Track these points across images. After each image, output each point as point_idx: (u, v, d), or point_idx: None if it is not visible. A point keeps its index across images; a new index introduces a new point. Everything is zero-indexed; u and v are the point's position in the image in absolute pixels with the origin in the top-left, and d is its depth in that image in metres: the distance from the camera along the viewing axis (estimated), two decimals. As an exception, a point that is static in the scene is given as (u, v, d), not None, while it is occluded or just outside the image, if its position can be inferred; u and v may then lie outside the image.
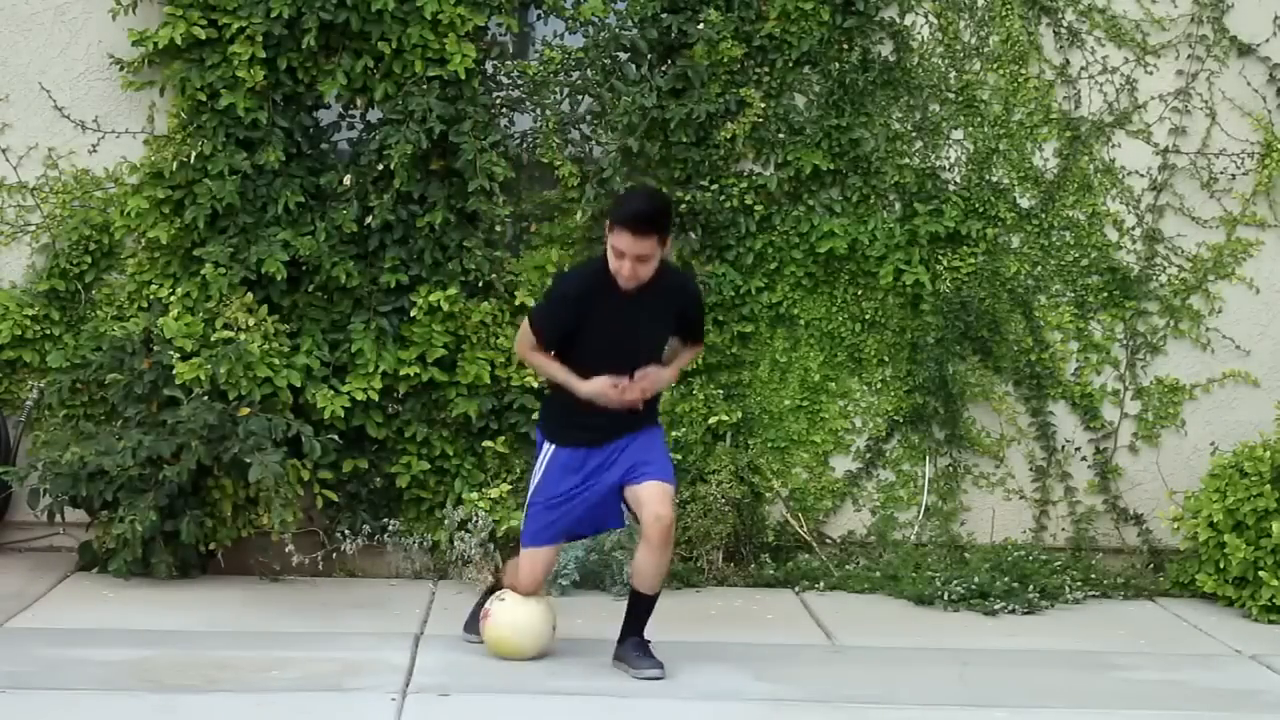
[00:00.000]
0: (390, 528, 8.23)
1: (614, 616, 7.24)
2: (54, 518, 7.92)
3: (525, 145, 8.42)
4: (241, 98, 8.06)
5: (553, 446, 6.64)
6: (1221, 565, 8.02)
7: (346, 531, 8.17)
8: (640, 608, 6.70)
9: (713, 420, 8.36)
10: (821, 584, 8.26)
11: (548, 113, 8.35)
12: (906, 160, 8.49)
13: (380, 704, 6.16)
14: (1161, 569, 8.51)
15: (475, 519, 8.05)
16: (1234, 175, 8.60)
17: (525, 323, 6.64)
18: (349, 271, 8.14)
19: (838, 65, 8.41)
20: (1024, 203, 8.56)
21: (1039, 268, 8.58)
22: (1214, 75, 8.56)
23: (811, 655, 7.10)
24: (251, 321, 8.03)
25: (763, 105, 8.34)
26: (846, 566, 8.42)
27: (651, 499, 6.50)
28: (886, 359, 8.55)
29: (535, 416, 8.18)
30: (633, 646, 6.67)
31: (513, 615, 6.76)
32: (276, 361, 8.00)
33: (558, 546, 6.77)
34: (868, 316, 8.51)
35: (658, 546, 6.51)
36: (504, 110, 8.37)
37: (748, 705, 6.33)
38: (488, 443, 8.26)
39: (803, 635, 7.45)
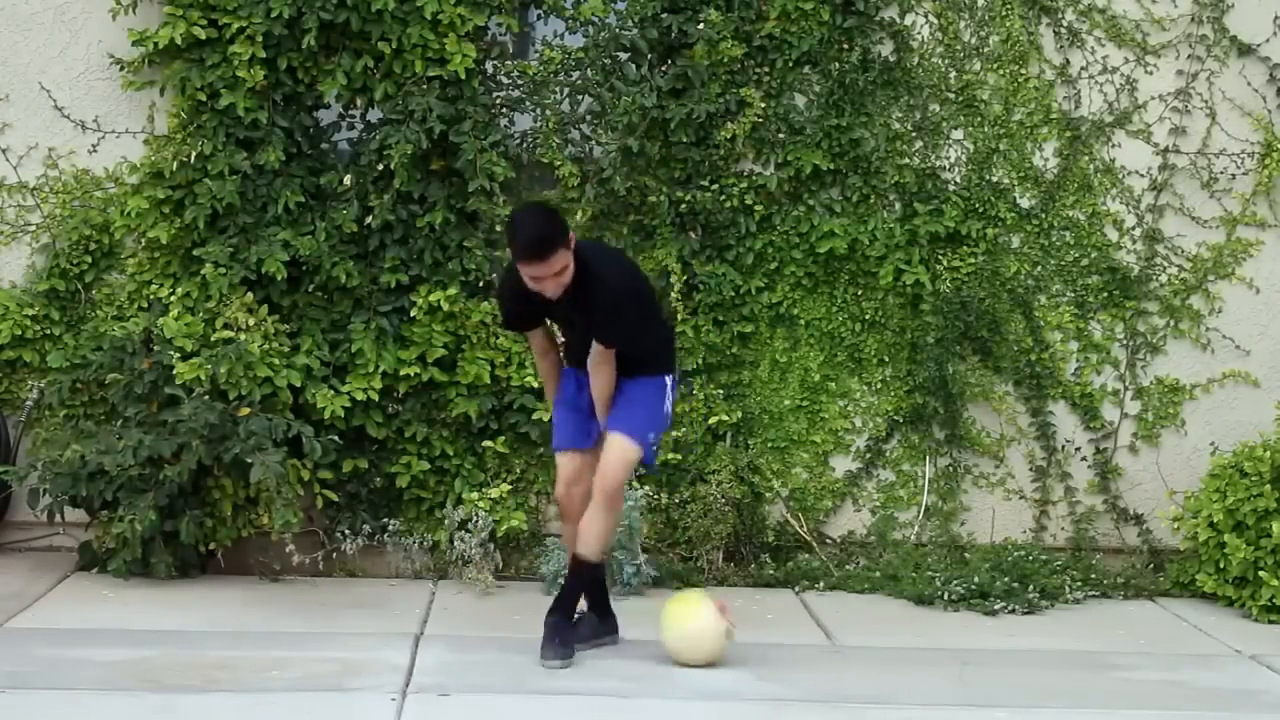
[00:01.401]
0: (390, 528, 8.23)
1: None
2: (54, 517, 7.92)
3: (525, 145, 8.42)
4: (241, 98, 8.06)
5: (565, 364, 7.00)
6: (1221, 565, 8.02)
7: (346, 531, 8.17)
8: (572, 576, 6.83)
9: (713, 420, 8.36)
10: (821, 584, 8.26)
11: (548, 113, 8.35)
12: (906, 160, 8.49)
13: (380, 704, 6.16)
14: (1161, 569, 8.51)
15: (475, 519, 8.05)
16: (1234, 175, 8.60)
17: None
18: (349, 271, 8.14)
19: (838, 65, 8.41)
20: (1024, 203, 8.56)
21: (1039, 268, 8.58)
22: (1214, 75, 8.57)
23: (811, 655, 7.10)
24: (251, 321, 8.03)
25: (763, 105, 8.34)
26: (846, 566, 8.42)
27: (603, 453, 6.72)
28: (886, 359, 8.55)
29: (535, 416, 8.21)
30: (546, 628, 6.75)
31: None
32: (276, 361, 8.00)
33: (576, 452, 6.82)
34: (868, 316, 8.51)
35: (596, 501, 6.71)
36: (504, 110, 8.37)
37: (748, 705, 6.33)
38: (488, 443, 8.26)
39: (803, 635, 7.45)
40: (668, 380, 6.82)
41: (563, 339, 6.95)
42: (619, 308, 6.56)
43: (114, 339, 8.08)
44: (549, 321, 6.87)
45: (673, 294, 8.29)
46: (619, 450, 6.68)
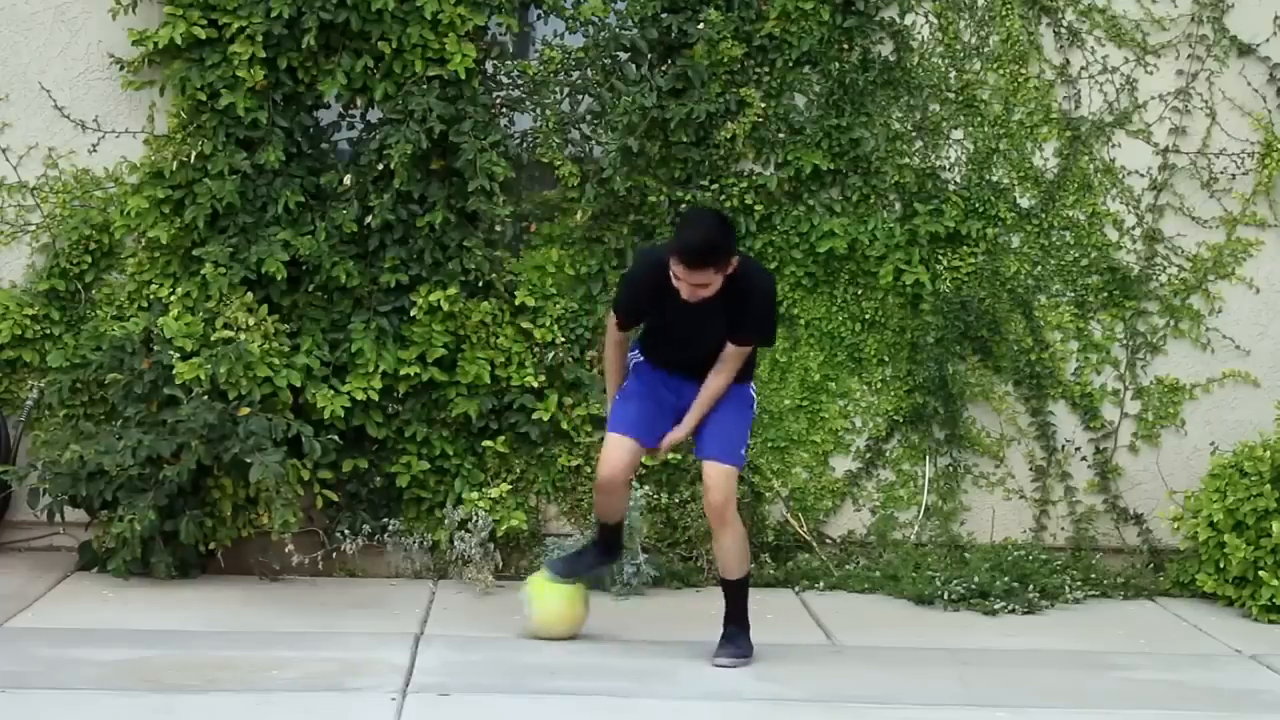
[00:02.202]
0: (390, 528, 8.23)
1: (614, 616, 7.26)
2: (54, 517, 7.92)
3: (525, 145, 8.42)
4: (241, 97, 8.06)
5: (640, 357, 6.92)
6: (1221, 565, 8.02)
7: (346, 531, 8.17)
8: (726, 596, 6.92)
9: (713, 420, 8.35)
10: (821, 584, 8.26)
11: (548, 113, 8.35)
12: (906, 160, 8.49)
13: (380, 704, 6.16)
14: (1161, 569, 8.51)
15: (475, 519, 8.05)
16: (1234, 175, 8.60)
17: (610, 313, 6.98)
18: (349, 271, 8.14)
19: (838, 65, 8.41)
20: (1024, 203, 8.56)
21: (1039, 268, 8.58)
22: (1214, 75, 8.57)
23: (811, 655, 7.10)
24: (251, 321, 8.03)
25: (763, 105, 8.34)
26: (846, 566, 8.42)
27: (706, 484, 6.77)
28: (886, 359, 8.55)
29: (535, 416, 8.21)
30: (722, 638, 6.88)
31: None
32: (276, 361, 8.00)
33: (636, 442, 6.80)
34: (868, 316, 8.51)
35: (715, 529, 6.79)
36: (504, 110, 8.37)
37: (748, 705, 6.33)
38: (488, 443, 8.26)
39: (803, 635, 7.45)
40: (752, 387, 6.91)
41: (670, 338, 6.82)
42: (769, 315, 6.73)
43: (114, 339, 8.08)
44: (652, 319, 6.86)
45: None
46: (724, 479, 6.73)
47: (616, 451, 6.78)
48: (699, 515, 8.20)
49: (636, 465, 6.94)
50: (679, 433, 6.84)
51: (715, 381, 6.73)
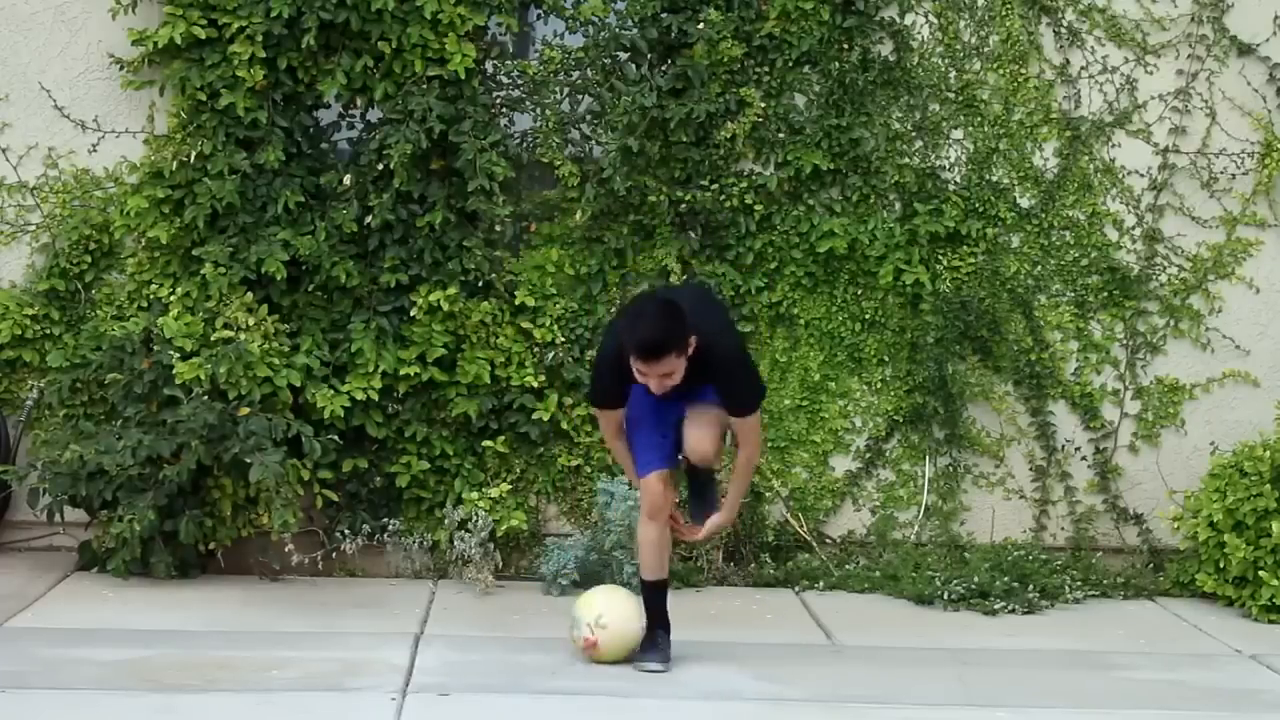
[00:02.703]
0: (390, 527, 8.23)
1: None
2: (54, 517, 7.92)
3: (525, 145, 8.42)
4: (241, 97, 8.07)
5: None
6: (1221, 565, 8.02)
7: (346, 531, 8.17)
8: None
9: (713, 420, 8.35)
10: (821, 584, 8.26)
11: (548, 113, 8.35)
12: (906, 160, 8.49)
13: (380, 704, 6.16)
14: (1161, 569, 8.51)
15: (475, 519, 8.05)
16: (1234, 175, 8.60)
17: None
18: (349, 271, 8.14)
19: (838, 65, 8.41)
20: (1024, 203, 8.57)
21: (1039, 268, 8.58)
22: (1214, 75, 8.57)
23: (811, 655, 7.11)
24: (251, 321, 8.03)
25: (763, 105, 8.34)
26: (846, 566, 8.43)
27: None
28: (886, 359, 8.55)
29: (535, 416, 8.21)
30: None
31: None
32: (276, 361, 8.00)
33: (666, 473, 6.63)
34: (868, 316, 8.51)
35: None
36: (504, 110, 8.37)
37: (748, 705, 6.33)
38: (488, 442, 8.26)
39: (803, 635, 7.46)
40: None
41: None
42: (749, 378, 6.53)
43: (114, 339, 8.08)
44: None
45: (673, 294, 8.29)
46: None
47: (654, 488, 6.60)
48: (699, 515, 8.20)
49: (674, 485, 6.73)
50: (722, 517, 6.72)
51: (743, 456, 6.58)
